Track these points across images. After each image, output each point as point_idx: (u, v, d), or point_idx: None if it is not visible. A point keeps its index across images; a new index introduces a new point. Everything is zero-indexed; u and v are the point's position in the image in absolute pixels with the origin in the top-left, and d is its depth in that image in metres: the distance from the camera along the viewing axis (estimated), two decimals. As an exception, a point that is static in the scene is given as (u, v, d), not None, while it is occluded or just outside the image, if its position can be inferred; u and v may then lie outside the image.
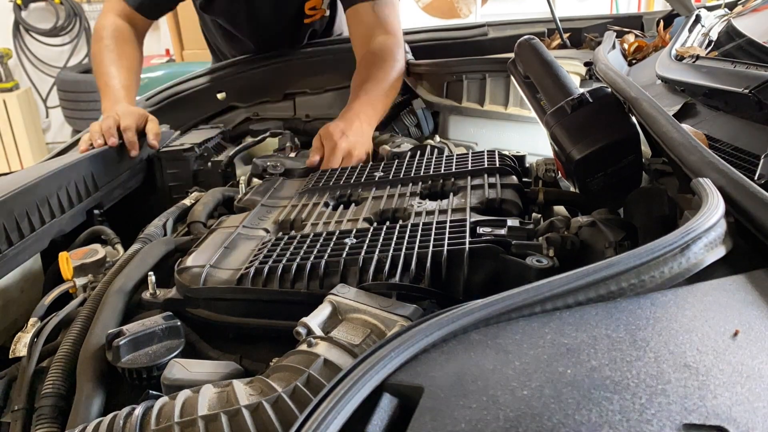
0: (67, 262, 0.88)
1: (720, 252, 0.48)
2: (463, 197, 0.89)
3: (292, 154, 1.37)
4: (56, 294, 0.85)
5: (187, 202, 1.15)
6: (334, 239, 0.76)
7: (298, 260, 0.72)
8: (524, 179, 1.00)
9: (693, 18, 1.45)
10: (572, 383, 0.35)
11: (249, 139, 1.51)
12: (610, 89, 0.84)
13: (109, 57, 1.47)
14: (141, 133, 1.29)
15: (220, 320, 0.72)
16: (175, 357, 0.64)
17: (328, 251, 0.73)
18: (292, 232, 0.85)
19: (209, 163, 1.31)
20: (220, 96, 1.69)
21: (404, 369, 0.39)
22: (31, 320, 0.79)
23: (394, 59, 1.43)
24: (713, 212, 0.48)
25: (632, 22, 1.81)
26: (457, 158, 1.04)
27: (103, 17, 1.54)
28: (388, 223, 0.84)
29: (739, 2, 1.60)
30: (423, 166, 1.02)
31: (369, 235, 0.76)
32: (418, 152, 1.16)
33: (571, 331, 0.40)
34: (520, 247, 0.69)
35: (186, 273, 0.75)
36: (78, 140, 1.40)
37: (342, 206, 0.94)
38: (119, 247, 1.01)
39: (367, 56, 1.45)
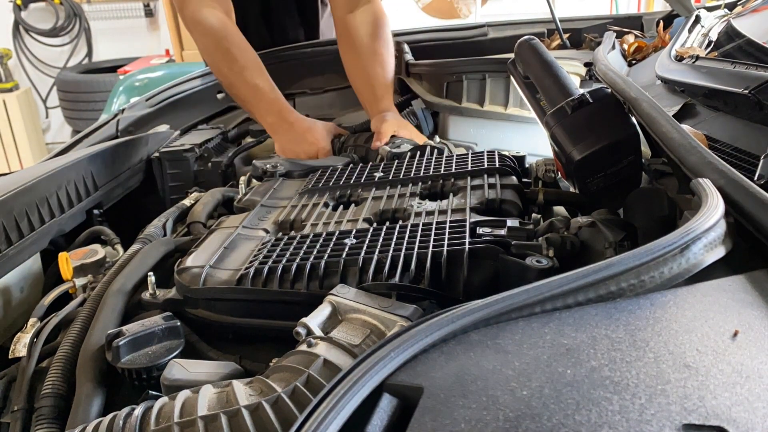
0: (66, 262, 0.88)
1: (720, 252, 0.48)
2: (463, 197, 0.89)
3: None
4: (56, 294, 0.85)
5: (186, 202, 1.15)
6: (333, 239, 0.76)
7: (297, 260, 0.72)
8: (524, 180, 1.00)
9: (693, 18, 1.45)
10: (572, 383, 0.35)
11: (249, 140, 1.51)
12: (610, 90, 0.84)
13: (240, 67, 1.32)
14: None
15: (219, 320, 0.72)
16: (175, 357, 0.64)
17: (328, 251, 0.73)
18: (292, 233, 0.85)
19: (209, 164, 1.31)
20: (219, 96, 1.69)
21: (404, 369, 0.39)
22: (31, 320, 0.79)
23: (388, 41, 1.48)
24: (713, 212, 0.48)
25: (632, 23, 1.81)
26: (456, 158, 1.04)
27: (197, 12, 1.31)
28: (387, 223, 0.84)
29: (739, 3, 1.60)
30: (423, 167, 1.02)
31: (369, 236, 0.76)
32: (418, 152, 1.16)
33: (570, 331, 0.40)
34: (519, 247, 0.69)
35: (186, 273, 0.75)
36: (79, 140, 1.40)
37: (342, 206, 0.94)
38: (119, 247, 1.01)
39: (366, 41, 1.45)
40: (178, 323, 0.68)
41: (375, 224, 0.86)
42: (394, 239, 0.74)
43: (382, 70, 1.44)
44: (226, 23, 1.33)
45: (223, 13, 1.34)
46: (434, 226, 0.76)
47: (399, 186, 0.97)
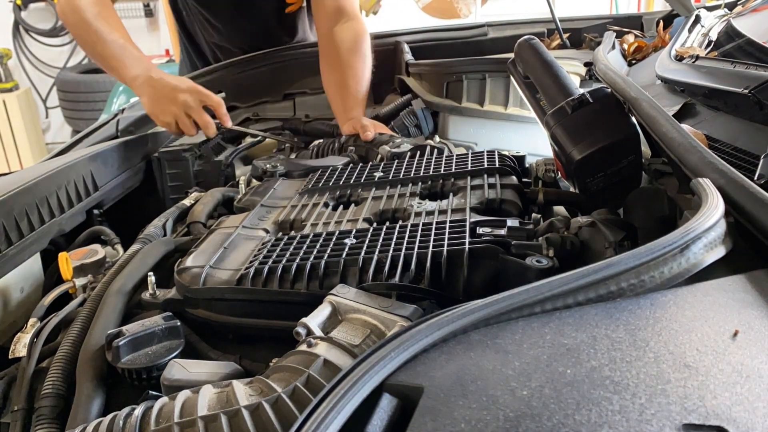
0: (66, 262, 0.88)
1: (720, 252, 0.48)
2: (463, 197, 0.89)
3: (293, 155, 1.38)
4: (56, 294, 0.85)
5: (186, 202, 1.15)
6: (333, 239, 0.76)
7: (297, 260, 0.72)
8: (524, 179, 1.00)
9: (693, 18, 1.45)
10: (572, 383, 0.35)
11: (249, 140, 1.51)
12: (610, 90, 0.84)
13: (105, 28, 1.37)
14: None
15: (219, 320, 0.72)
16: (175, 357, 0.64)
17: (328, 251, 0.73)
18: (292, 233, 0.85)
19: (209, 164, 1.31)
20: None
21: (404, 369, 0.39)
22: (31, 320, 0.79)
23: (366, 56, 1.53)
24: (713, 212, 0.48)
25: (632, 22, 1.81)
26: (456, 158, 1.04)
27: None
28: (387, 223, 0.84)
29: (739, 2, 1.60)
30: (423, 167, 1.02)
31: (369, 236, 0.76)
32: (418, 152, 1.16)
33: (570, 331, 0.40)
34: (519, 247, 0.69)
35: (186, 273, 0.75)
36: (79, 140, 1.40)
37: (342, 206, 0.94)
38: (119, 247, 1.01)
39: (344, 54, 1.50)
40: (178, 323, 0.68)
41: (375, 224, 0.86)
42: (394, 239, 0.74)
43: (354, 83, 1.47)
44: None
45: None
46: (434, 226, 0.76)
47: (399, 186, 0.97)
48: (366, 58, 1.51)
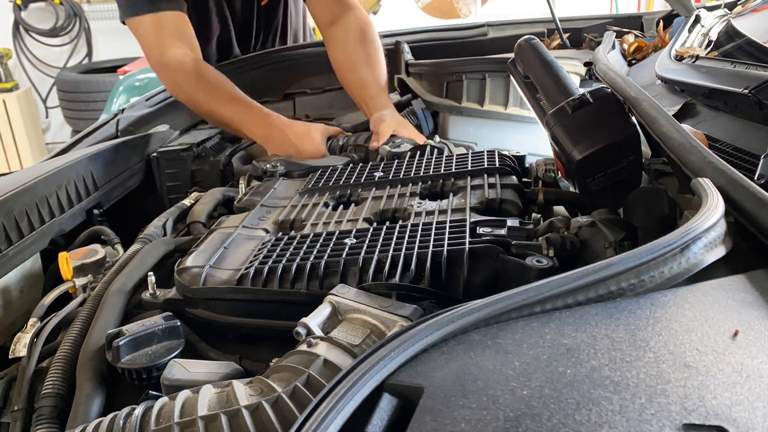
0: (66, 262, 0.88)
1: (720, 252, 0.48)
2: (463, 197, 0.89)
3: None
4: (56, 294, 0.85)
5: (186, 202, 1.15)
6: (333, 239, 0.76)
7: (297, 260, 0.72)
8: (524, 179, 1.00)
9: (693, 18, 1.45)
10: (572, 383, 0.35)
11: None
12: (610, 89, 0.84)
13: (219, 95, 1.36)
14: None
15: (219, 320, 0.72)
16: (175, 357, 0.64)
17: (328, 251, 0.73)
18: (292, 233, 0.85)
19: (207, 163, 1.31)
20: None
21: (404, 369, 0.39)
22: (31, 320, 0.79)
23: (377, 41, 1.53)
24: (713, 212, 0.48)
25: (632, 22, 1.81)
26: (456, 158, 1.04)
27: (164, 55, 1.38)
28: (387, 223, 0.84)
29: (739, 2, 1.60)
30: (423, 166, 1.02)
31: (369, 236, 0.76)
32: (418, 152, 1.16)
33: (571, 331, 0.40)
34: (519, 247, 0.69)
35: (186, 273, 0.75)
36: (79, 140, 1.40)
37: (342, 206, 0.94)
38: (119, 247, 1.01)
39: (354, 46, 1.49)
40: (178, 323, 0.68)
41: (375, 224, 0.86)
42: (394, 239, 0.74)
43: (372, 71, 1.46)
44: (193, 57, 1.39)
45: (189, 50, 1.39)
46: (434, 225, 0.76)
47: (399, 186, 0.97)
48: (377, 44, 1.51)
